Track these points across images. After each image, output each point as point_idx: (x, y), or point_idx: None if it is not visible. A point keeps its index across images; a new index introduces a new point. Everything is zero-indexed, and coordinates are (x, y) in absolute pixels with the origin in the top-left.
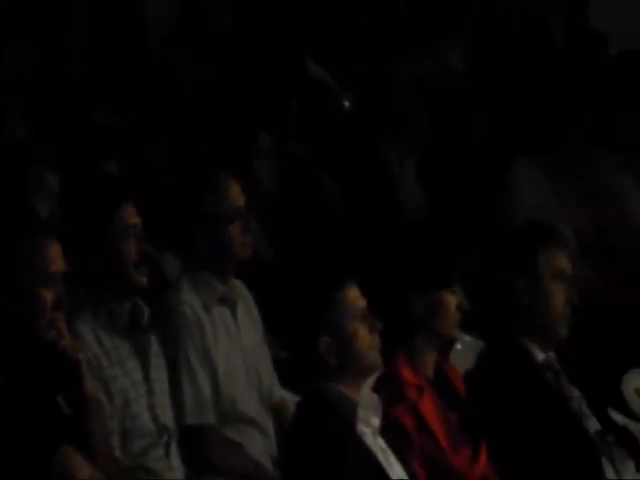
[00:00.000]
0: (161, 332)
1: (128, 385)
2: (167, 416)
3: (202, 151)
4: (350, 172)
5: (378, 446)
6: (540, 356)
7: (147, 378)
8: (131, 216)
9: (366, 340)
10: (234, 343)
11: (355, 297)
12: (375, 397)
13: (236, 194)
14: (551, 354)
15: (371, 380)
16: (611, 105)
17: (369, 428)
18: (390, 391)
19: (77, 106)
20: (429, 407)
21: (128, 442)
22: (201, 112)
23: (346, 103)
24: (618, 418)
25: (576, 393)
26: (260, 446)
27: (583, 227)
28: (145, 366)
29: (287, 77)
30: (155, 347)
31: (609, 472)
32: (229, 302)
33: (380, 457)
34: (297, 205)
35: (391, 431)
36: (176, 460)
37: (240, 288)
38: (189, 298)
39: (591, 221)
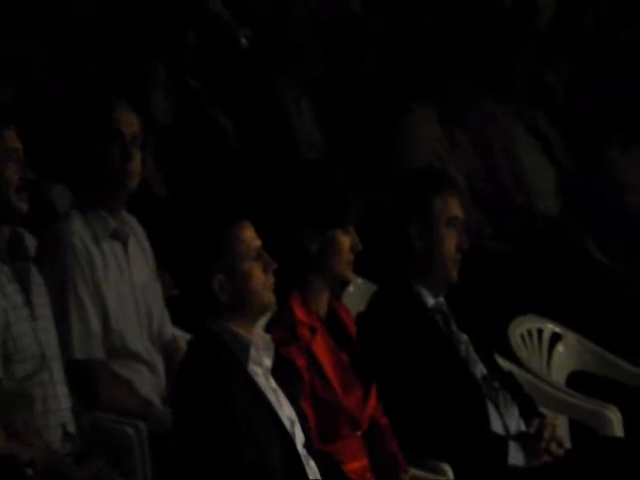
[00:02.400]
0: (48, 263)
1: (8, 307)
2: (51, 341)
3: (90, 78)
4: (245, 109)
5: (269, 386)
6: (430, 301)
7: (28, 302)
8: (12, 140)
9: (260, 279)
10: (125, 279)
11: (249, 235)
12: (267, 337)
13: (125, 120)
14: (441, 299)
15: (264, 320)
16: (506, 54)
17: (261, 368)
18: (283, 330)
19: None
20: (321, 347)
21: (11, 366)
22: (93, 39)
23: (243, 40)
24: (504, 364)
25: (464, 338)
26: (149, 383)
27: (475, 173)
28: (25, 290)
29: (185, 8)
30: (36, 275)
31: (493, 416)
32: (121, 237)
33: (271, 397)
34: (189, 138)
35: (283, 371)
36: (62, 388)
37: (132, 223)
38: (79, 230)
39: (483, 167)
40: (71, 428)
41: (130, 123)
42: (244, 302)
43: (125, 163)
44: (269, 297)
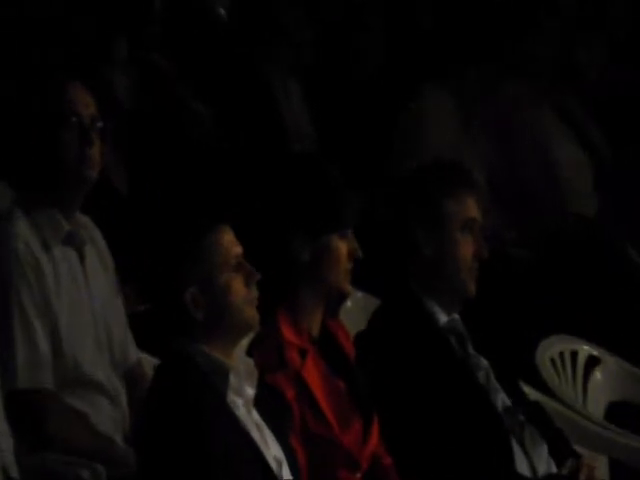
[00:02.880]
0: None
1: None
2: None
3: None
4: (224, 92)
5: (252, 420)
6: (443, 318)
7: None
8: None
9: (240, 293)
10: (80, 292)
11: (228, 241)
12: (250, 362)
13: (81, 99)
14: (455, 316)
15: (246, 341)
16: (529, 35)
17: (242, 399)
18: (268, 354)
19: None
20: (313, 374)
21: None
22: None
23: (221, 10)
24: (531, 393)
25: (483, 363)
26: (110, 417)
27: (496, 168)
28: None
29: None
30: None
31: (518, 455)
32: (75, 242)
33: (254, 434)
34: (157, 125)
35: (268, 402)
36: (3, 425)
37: (88, 226)
38: (24, 233)
39: (505, 161)
40: (14, 472)
41: (86, 104)
42: (222, 320)
43: (84, 149)
44: (251, 314)
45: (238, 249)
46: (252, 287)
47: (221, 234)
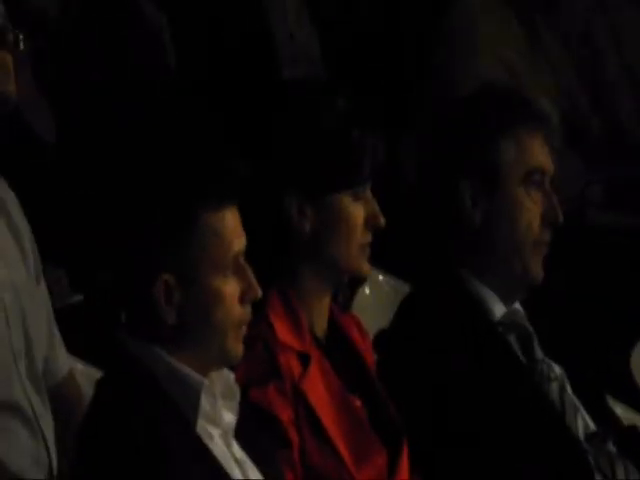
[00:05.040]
0: None
1: None
2: None
3: None
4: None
5: (231, 455)
6: (499, 310)
7: None
8: None
9: (231, 311)
10: None
11: (231, 230)
12: (230, 376)
13: None
14: (517, 307)
15: None
16: None
17: (218, 428)
18: (255, 361)
19: None
20: (318, 388)
21: None
22: None
23: None
24: (624, 413)
25: (556, 371)
26: (27, 450)
27: (573, 96)
28: None
29: None
30: None
31: None
32: None
33: (234, 475)
34: (96, 41)
35: (253, 428)
36: None
37: (2, 190)
38: None
39: (587, 86)
40: None
41: None
42: (199, 331)
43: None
44: (235, 345)
45: (241, 242)
46: (246, 306)
47: (223, 217)
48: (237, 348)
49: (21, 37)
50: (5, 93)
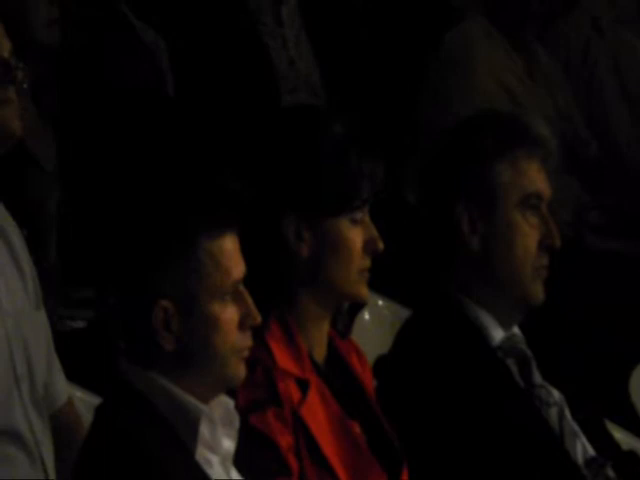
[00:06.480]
0: None
1: None
2: None
3: None
4: (186, 19)
5: None
6: (498, 335)
7: None
8: None
9: (230, 337)
10: None
11: (230, 257)
12: (229, 402)
13: None
14: (516, 331)
15: None
16: None
17: (216, 455)
18: (254, 387)
19: None
20: (317, 414)
21: None
22: None
23: None
24: (623, 438)
25: (555, 396)
26: (25, 475)
27: (571, 121)
28: None
29: None
30: None
31: None
32: None
33: None
34: (94, 68)
35: (253, 455)
36: None
37: (2, 217)
38: None
39: (584, 110)
40: None
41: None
42: (198, 357)
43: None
44: (237, 370)
45: (240, 269)
46: (247, 332)
47: (222, 244)
48: (239, 372)
49: (27, 71)
50: (11, 128)
